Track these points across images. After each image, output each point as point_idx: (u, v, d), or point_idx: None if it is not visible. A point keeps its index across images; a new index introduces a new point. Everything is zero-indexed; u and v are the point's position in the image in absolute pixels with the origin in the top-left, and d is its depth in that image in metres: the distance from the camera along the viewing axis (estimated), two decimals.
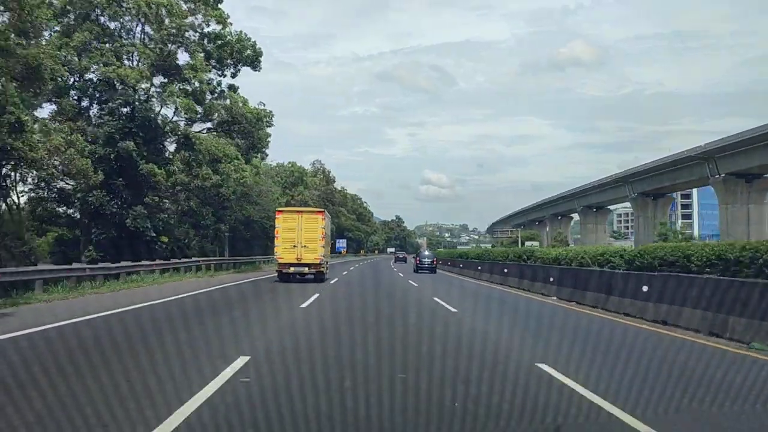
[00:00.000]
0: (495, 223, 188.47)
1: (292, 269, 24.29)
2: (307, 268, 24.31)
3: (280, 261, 24.55)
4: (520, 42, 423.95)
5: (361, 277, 35.94)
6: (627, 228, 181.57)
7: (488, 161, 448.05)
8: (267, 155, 57.49)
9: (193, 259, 29.81)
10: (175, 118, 31.44)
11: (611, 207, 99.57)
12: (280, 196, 70.13)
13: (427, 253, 49.07)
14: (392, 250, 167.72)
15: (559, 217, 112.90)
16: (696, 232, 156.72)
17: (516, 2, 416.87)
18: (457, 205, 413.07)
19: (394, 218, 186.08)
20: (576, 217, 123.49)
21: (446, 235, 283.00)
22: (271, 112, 33.58)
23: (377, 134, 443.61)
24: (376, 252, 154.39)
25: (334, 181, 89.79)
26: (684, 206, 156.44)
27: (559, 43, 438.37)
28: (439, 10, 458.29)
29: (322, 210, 27.51)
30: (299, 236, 24.18)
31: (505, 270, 26.84)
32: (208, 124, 34.10)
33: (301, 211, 26.51)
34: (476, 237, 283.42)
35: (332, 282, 26.16)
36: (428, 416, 5.14)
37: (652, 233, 70.67)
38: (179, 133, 29.89)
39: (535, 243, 66.92)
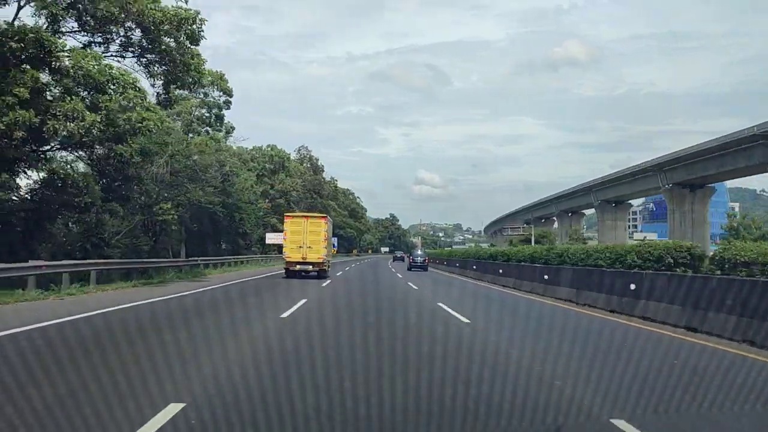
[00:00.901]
0: (493, 222, 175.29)
1: (298, 267, 25.73)
2: (311, 266, 25.71)
3: (287, 260, 26.26)
4: (515, 42, 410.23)
5: (360, 288, 22.57)
6: (627, 227, 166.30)
7: (482, 161, 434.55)
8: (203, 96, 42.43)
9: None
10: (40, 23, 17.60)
11: (632, 201, 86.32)
12: (256, 184, 56.10)
13: (419, 252, 53.68)
14: (386, 249, 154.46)
15: (570, 214, 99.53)
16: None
17: (510, 2, 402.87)
18: (451, 204, 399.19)
19: (389, 216, 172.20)
20: (587, 213, 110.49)
21: (440, 234, 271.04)
22: (197, 13, 19.23)
23: (372, 134, 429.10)
24: (370, 251, 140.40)
25: (323, 171, 75.91)
26: None
27: (554, 43, 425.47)
28: (434, 10, 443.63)
29: (325, 215, 30.29)
30: (304, 238, 25.77)
31: (632, 286, 13.11)
32: (111, 47, 20.15)
33: (307, 216, 28.32)
34: (470, 236, 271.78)
35: (287, 315, 12.47)
36: None
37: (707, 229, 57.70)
38: (27, 38, 15.87)
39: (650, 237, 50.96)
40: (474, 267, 30.86)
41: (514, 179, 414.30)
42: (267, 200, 60.29)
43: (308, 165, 72.62)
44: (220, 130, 43.37)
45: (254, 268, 38.90)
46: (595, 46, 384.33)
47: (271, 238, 56.37)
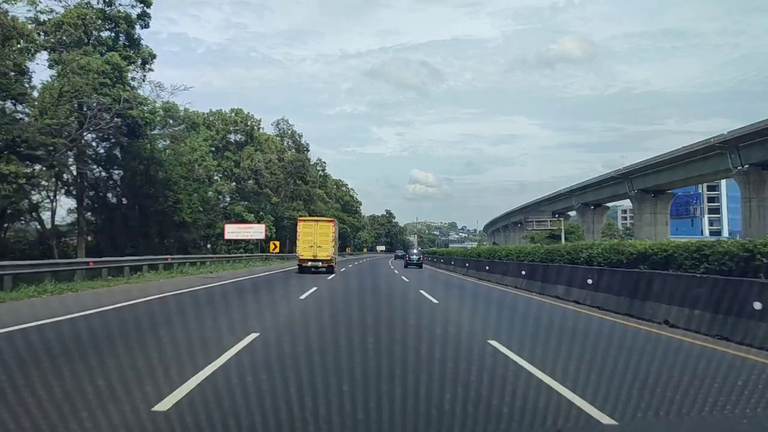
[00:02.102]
0: (493, 220, 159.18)
1: (309, 263, 27.74)
2: (320, 263, 27.80)
3: (300, 257, 28.16)
4: (509, 40, 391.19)
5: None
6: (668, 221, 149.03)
7: (476, 160, 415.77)
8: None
9: None
10: None
11: (677, 190, 70.18)
12: (207, 156, 39.39)
13: (415, 251, 55.21)
14: (382, 248, 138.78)
15: (593, 207, 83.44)
16: (725, 229, 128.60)
17: (504, 0, 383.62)
18: (446, 203, 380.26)
19: (385, 213, 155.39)
20: (611, 207, 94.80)
21: (435, 232, 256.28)
22: None
23: (366, 133, 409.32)
24: (365, 250, 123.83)
25: (308, 150, 58.77)
26: (711, 199, 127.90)
27: (548, 41, 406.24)
28: (427, 8, 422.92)
29: (332, 219, 31.99)
30: (315, 239, 27.96)
31: None
32: None
33: (317, 220, 30.57)
34: (465, 235, 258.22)
35: None
36: None
37: None
38: None
39: None
40: (546, 279, 14.73)
41: (508, 178, 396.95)
42: (230, 181, 43.62)
43: (289, 142, 55.81)
44: (133, 60, 26.57)
45: (146, 283, 20.04)
46: (590, 45, 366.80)
47: (232, 231, 39.57)
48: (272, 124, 54.44)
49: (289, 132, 55.55)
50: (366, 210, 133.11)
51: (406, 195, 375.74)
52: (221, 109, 42.77)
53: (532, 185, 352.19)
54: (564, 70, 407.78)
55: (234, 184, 42.18)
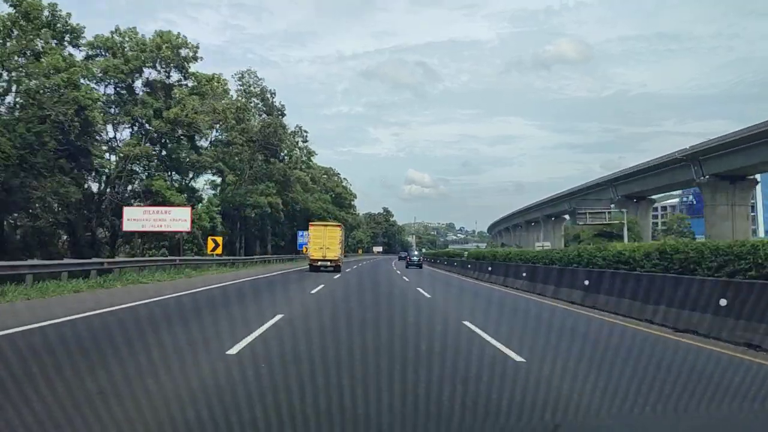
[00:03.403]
0: (498, 220, 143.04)
1: (319, 263, 29.52)
2: (329, 263, 29.63)
3: (311, 257, 30.23)
4: (505, 42, 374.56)
5: None
6: (751, 215, 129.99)
7: (472, 161, 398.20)
8: None
9: None
10: None
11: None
12: (82, 83, 22.47)
13: (415, 253, 57.33)
14: (380, 249, 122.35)
15: (635, 200, 67.09)
16: (760, 229, 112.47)
17: (500, 2, 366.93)
18: (442, 204, 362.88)
19: (382, 211, 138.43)
20: (655, 200, 78.43)
21: (433, 233, 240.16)
22: None
23: (362, 134, 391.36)
24: (360, 251, 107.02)
25: (283, 115, 41.06)
26: None
27: (544, 43, 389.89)
28: (424, 9, 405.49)
29: (340, 224, 35.67)
30: (324, 241, 29.80)
31: None
32: None
33: (327, 225, 32.91)
34: (462, 236, 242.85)
35: None
36: None
37: None
38: None
39: None
40: None
41: (506, 179, 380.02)
42: (145, 141, 26.73)
43: (257, 103, 38.78)
44: None
45: None
46: (586, 47, 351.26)
47: (135, 218, 22.58)
48: (233, 76, 37.59)
49: (258, 89, 38.40)
50: (362, 209, 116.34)
51: (402, 195, 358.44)
52: (135, 28, 25.98)
53: (530, 185, 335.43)
54: (560, 71, 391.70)
55: (148, 144, 25.38)
